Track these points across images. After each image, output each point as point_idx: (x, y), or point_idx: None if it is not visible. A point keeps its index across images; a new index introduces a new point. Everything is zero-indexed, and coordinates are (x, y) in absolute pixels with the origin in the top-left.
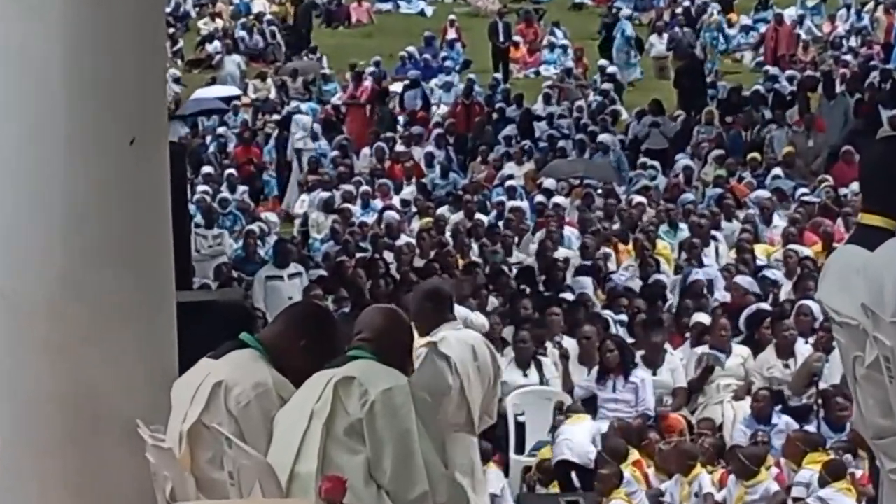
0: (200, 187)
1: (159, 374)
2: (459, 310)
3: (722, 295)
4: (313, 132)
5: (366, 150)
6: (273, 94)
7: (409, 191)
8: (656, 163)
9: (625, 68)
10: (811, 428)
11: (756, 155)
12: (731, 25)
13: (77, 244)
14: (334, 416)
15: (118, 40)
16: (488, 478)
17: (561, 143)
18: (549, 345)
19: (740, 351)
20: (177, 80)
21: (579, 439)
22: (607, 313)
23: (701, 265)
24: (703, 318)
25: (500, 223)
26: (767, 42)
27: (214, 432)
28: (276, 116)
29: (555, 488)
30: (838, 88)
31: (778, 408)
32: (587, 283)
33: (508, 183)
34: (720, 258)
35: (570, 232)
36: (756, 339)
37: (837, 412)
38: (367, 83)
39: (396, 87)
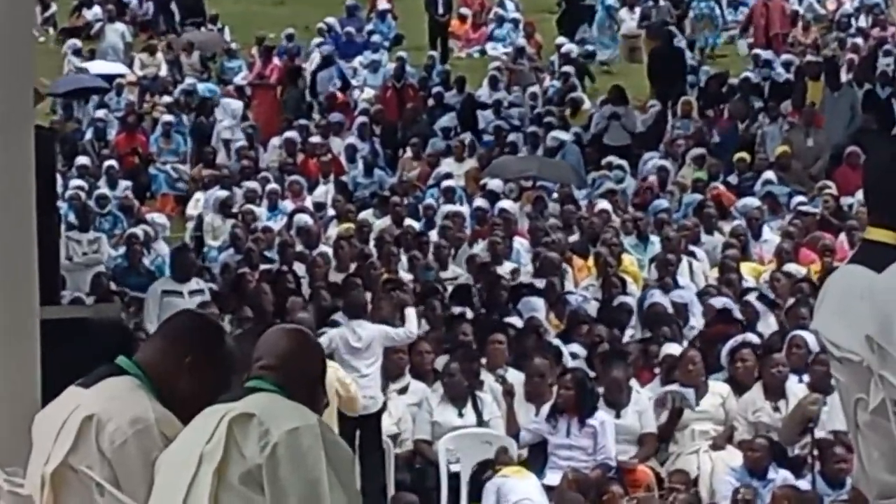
0: (74, 182)
1: (17, 407)
2: (380, 329)
3: (699, 322)
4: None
5: (274, 141)
6: (164, 72)
7: (324, 190)
8: (624, 163)
9: (602, 48)
10: (805, 483)
11: (744, 155)
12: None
13: None
14: (228, 460)
15: None
16: None
17: (510, 137)
18: (488, 378)
19: (718, 389)
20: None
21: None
22: (561, 342)
23: (676, 286)
24: (675, 349)
25: (434, 231)
26: (756, 20)
27: (83, 477)
28: (166, 98)
29: None
30: (844, 77)
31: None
32: (538, 304)
33: (445, 183)
34: (696, 277)
35: (519, 243)
36: (739, 376)
37: (836, 465)
38: (278, 60)
39: (311, 66)
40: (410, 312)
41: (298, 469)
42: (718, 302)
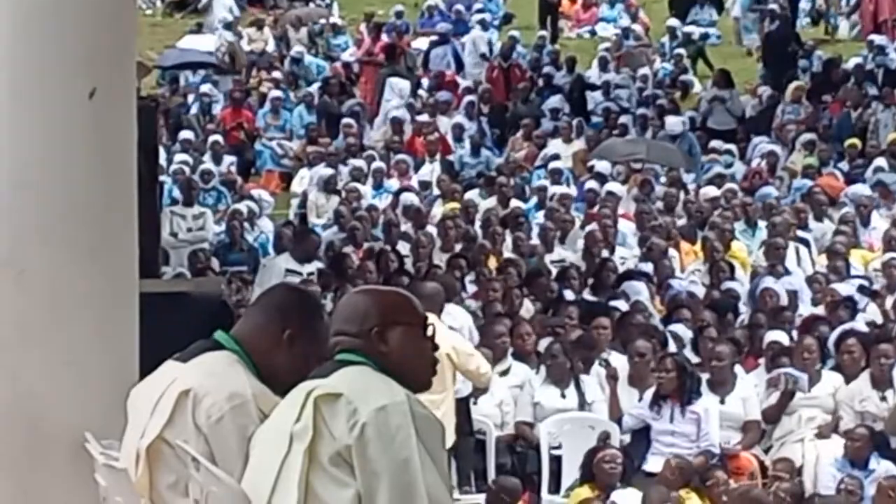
0: (178, 156)
1: (115, 380)
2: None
3: (808, 309)
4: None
5: (381, 119)
6: (271, 47)
7: (430, 169)
8: (732, 147)
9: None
10: None
11: (855, 141)
12: None
13: (17, 221)
14: (318, 439)
15: None
16: None
17: (620, 119)
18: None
19: (832, 379)
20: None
21: None
22: (667, 327)
23: (786, 272)
24: (781, 336)
25: (541, 213)
26: (865, 5)
27: (179, 451)
28: (275, 74)
29: None
30: None
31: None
32: (643, 289)
33: (553, 164)
34: (804, 264)
35: (626, 226)
36: (846, 365)
37: None
38: (386, 37)
39: (420, 44)
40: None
41: (388, 449)
42: (843, 289)
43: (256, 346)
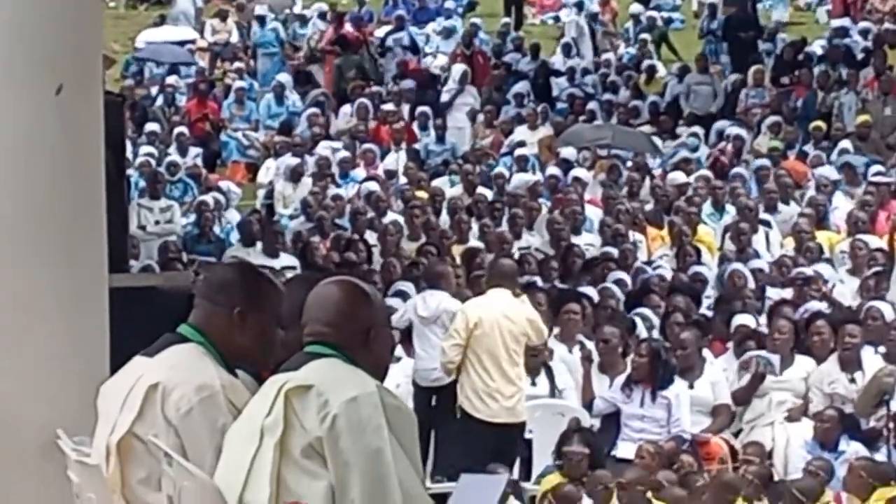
0: (144, 149)
1: (86, 376)
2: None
3: (776, 293)
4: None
5: (346, 108)
6: (235, 38)
7: (396, 158)
8: (698, 130)
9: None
10: (879, 456)
11: (820, 124)
12: None
13: None
14: (289, 433)
15: None
16: None
17: (588, 105)
18: (561, 348)
19: (804, 363)
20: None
21: None
22: (635, 311)
23: (755, 255)
24: (748, 320)
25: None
26: None
27: (151, 447)
28: (238, 65)
29: None
30: None
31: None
32: (611, 275)
33: (519, 151)
34: (772, 247)
35: (593, 212)
36: (815, 347)
37: None
38: (350, 27)
39: (382, 32)
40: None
41: (359, 440)
42: (810, 271)
43: (214, 332)
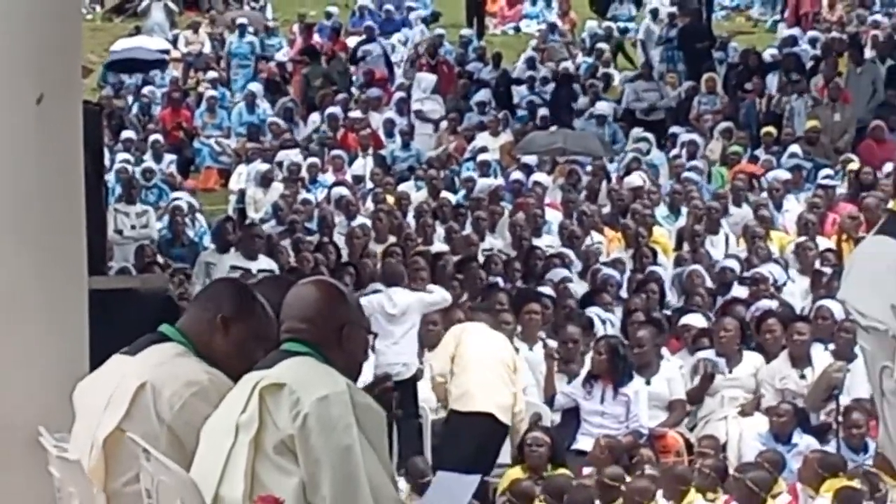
0: (120, 155)
1: (67, 374)
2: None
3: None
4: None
5: (314, 116)
6: (207, 49)
7: (363, 163)
8: (650, 135)
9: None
10: (830, 448)
11: (771, 129)
12: None
13: None
14: (263, 430)
15: None
16: None
17: (541, 112)
18: (523, 347)
19: (752, 359)
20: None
21: None
22: (593, 311)
23: (708, 257)
24: (696, 319)
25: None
26: None
27: (129, 442)
28: (211, 74)
29: None
30: (868, 54)
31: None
32: (569, 275)
33: (481, 157)
34: (728, 247)
35: (553, 215)
36: (767, 344)
37: (857, 430)
38: (318, 37)
39: (350, 42)
40: (434, 287)
41: (330, 437)
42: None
43: (196, 336)
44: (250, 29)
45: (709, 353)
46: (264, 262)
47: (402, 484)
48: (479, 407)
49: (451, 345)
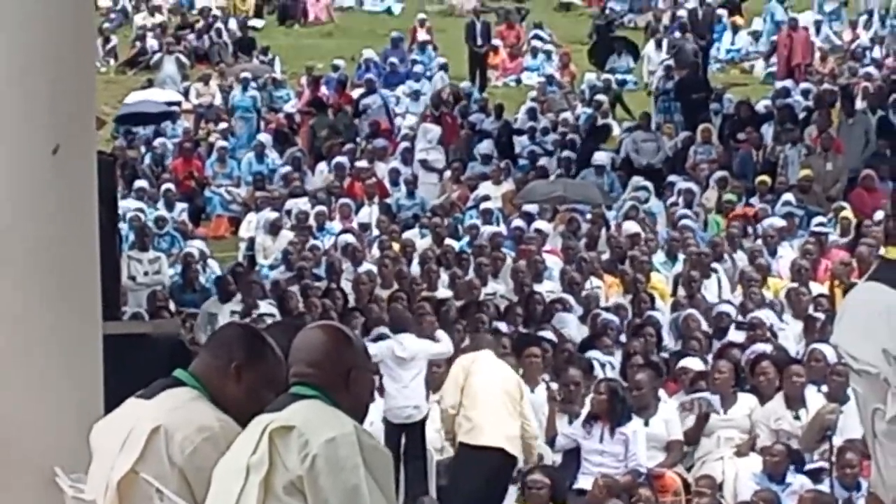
0: (133, 204)
1: (82, 415)
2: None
3: (741, 336)
4: (261, 145)
5: (321, 166)
6: (218, 100)
7: (369, 211)
8: (649, 184)
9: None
10: (823, 488)
11: (766, 178)
12: (736, 30)
13: None
14: (273, 471)
15: (40, 33)
16: None
17: (541, 161)
18: (525, 389)
19: (747, 401)
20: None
21: None
22: (593, 354)
23: (705, 301)
24: (693, 363)
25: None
26: (780, 50)
27: (143, 483)
28: (221, 126)
29: None
30: (859, 105)
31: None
32: (570, 319)
33: (484, 205)
34: (723, 293)
35: (553, 262)
36: (761, 386)
37: (850, 470)
38: (325, 89)
39: (355, 94)
40: (441, 334)
41: (337, 478)
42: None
43: (209, 382)
44: (253, 83)
45: (704, 395)
46: (264, 308)
47: None
48: (489, 441)
49: (460, 376)
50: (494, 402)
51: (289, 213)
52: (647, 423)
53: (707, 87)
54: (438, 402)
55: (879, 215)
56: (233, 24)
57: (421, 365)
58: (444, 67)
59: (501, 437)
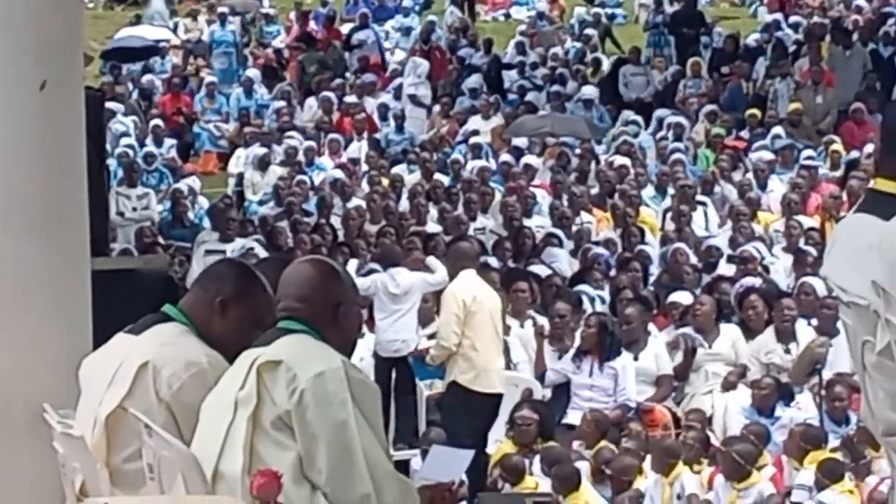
0: (122, 140)
1: (70, 352)
2: (418, 276)
3: (730, 270)
4: (249, 80)
5: (311, 101)
6: (206, 36)
7: (358, 147)
8: (639, 118)
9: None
10: (812, 421)
11: (755, 112)
12: None
13: None
14: (261, 406)
15: None
16: None
17: (529, 96)
18: (514, 323)
19: (728, 331)
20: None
21: None
22: (583, 288)
23: (693, 235)
24: (682, 297)
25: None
26: None
27: (132, 418)
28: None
29: (521, 486)
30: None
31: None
32: (559, 254)
33: (473, 140)
34: (710, 226)
35: (542, 196)
36: (750, 320)
37: (839, 403)
38: (314, 24)
39: (344, 29)
40: (434, 261)
41: (325, 413)
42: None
43: (197, 317)
44: (233, 18)
45: (689, 330)
46: (248, 243)
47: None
48: (490, 388)
49: (460, 312)
50: (497, 347)
51: (279, 143)
52: (636, 358)
53: (702, 20)
54: (429, 337)
55: (869, 148)
56: None
57: (415, 298)
58: (422, 5)
59: (499, 383)
